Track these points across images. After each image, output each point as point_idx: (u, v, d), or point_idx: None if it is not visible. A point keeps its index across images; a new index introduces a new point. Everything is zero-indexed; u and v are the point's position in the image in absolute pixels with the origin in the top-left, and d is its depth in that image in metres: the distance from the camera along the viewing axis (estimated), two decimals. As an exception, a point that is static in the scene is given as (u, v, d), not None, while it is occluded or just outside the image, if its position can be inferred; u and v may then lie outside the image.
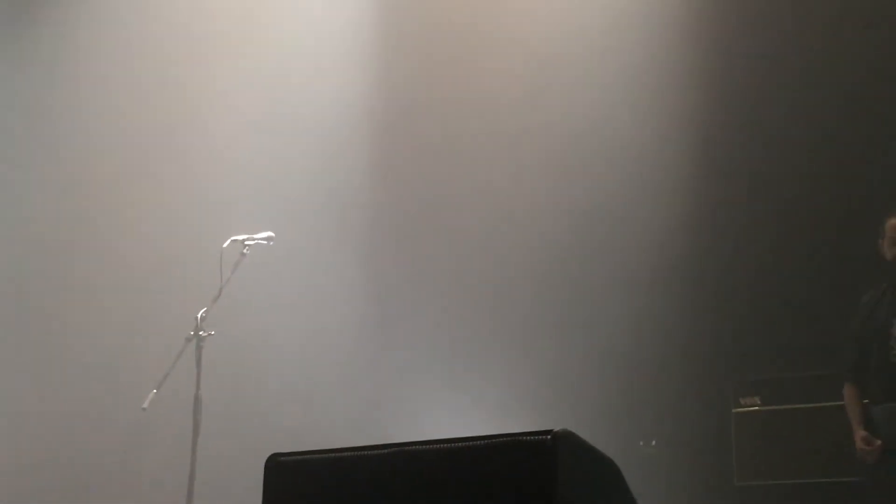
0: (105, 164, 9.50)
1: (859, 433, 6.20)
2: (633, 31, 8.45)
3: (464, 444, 2.99)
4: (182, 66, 9.63)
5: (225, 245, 6.85)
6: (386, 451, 3.14)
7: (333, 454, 3.18)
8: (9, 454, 9.00)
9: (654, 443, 7.26)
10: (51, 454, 8.85)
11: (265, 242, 6.97)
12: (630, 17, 8.51)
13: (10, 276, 9.67)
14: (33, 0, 10.20)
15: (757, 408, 7.15)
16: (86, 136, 9.68)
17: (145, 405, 6.63)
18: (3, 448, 9.03)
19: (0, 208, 9.91)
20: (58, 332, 9.18)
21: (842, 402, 6.53)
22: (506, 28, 8.97)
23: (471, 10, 9.18)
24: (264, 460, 2.99)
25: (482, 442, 2.94)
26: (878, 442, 6.09)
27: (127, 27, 9.98)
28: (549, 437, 2.71)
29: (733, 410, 7.18)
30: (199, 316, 6.67)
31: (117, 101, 9.70)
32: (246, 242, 6.88)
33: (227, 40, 9.57)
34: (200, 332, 6.64)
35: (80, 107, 9.81)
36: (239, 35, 9.58)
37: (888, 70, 7.68)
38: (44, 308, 9.37)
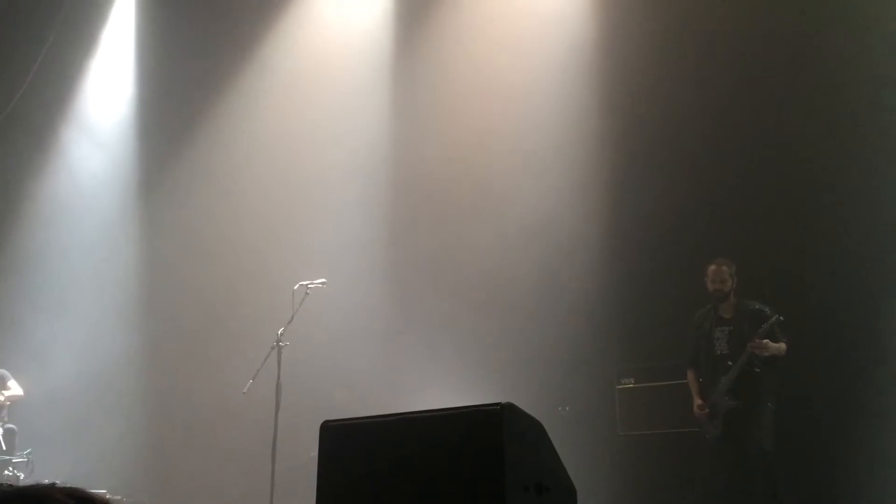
0: (220, 230, 9.71)
1: (696, 401, 6.87)
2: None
3: (443, 412, 3.33)
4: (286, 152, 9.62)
5: (295, 287, 7.29)
6: (395, 418, 3.44)
7: (362, 420, 3.51)
8: (159, 427, 9.46)
9: (567, 408, 7.54)
10: (186, 422, 9.24)
11: (321, 285, 7.38)
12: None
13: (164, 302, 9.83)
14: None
15: (632, 385, 7.62)
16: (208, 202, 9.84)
17: (245, 390, 7.14)
18: (159, 417, 9.49)
19: (157, 246, 9.99)
20: (185, 339, 9.51)
21: (685, 381, 7.10)
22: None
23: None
24: (321, 423, 3.37)
25: (455, 411, 3.27)
26: (706, 408, 6.82)
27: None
28: (498, 406, 3.03)
29: (616, 387, 7.68)
30: (279, 332, 7.15)
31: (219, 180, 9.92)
32: (309, 285, 7.32)
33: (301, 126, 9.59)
34: (280, 343, 7.11)
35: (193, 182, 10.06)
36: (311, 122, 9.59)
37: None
38: (176, 320, 9.64)
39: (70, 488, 1.18)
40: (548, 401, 7.19)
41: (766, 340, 6.58)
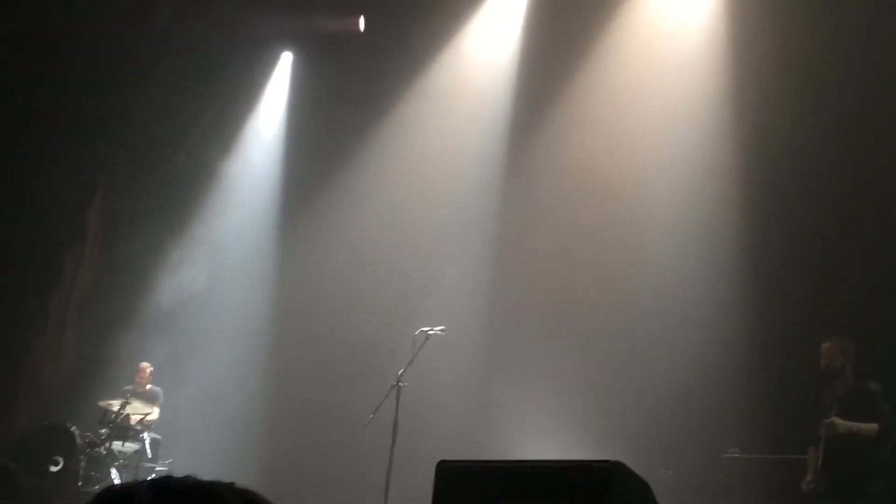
0: (351, 274, 9.85)
1: (807, 477, 6.38)
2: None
3: (554, 464, 3.36)
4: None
5: (416, 332, 7.31)
6: (509, 464, 3.55)
7: (476, 462, 3.47)
8: (281, 450, 9.58)
9: (670, 472, 7.26)
10: (307, 447, 9.36)
11: (440, 332, 7.34)
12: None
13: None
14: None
15: (738, 455, 7.20)
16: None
17: (366, 423, 7.21)
18: (283, 441, 9.61)
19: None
20: (313, 372, 9.62)
21: (793, 456, 6.66)
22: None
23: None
24: (434, 460, 3.27)
25: (565, 464, 3.27)
26: (813, 484, 6.33)
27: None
28: (608, 464, 2.94)
29: (722, 455, 7.27)
30: (399, 373, 7.17)
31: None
32: (429, 331, 7.31)
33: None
34: (399, 384, 7.14)
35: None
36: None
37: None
38: (306, 354, 9.77)
39: (244, 490, 1.21)
40: (650, 462, 6.85)
41: (833, 420, 6.21)
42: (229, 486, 1.21)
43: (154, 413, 8.93)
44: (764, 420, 7.36)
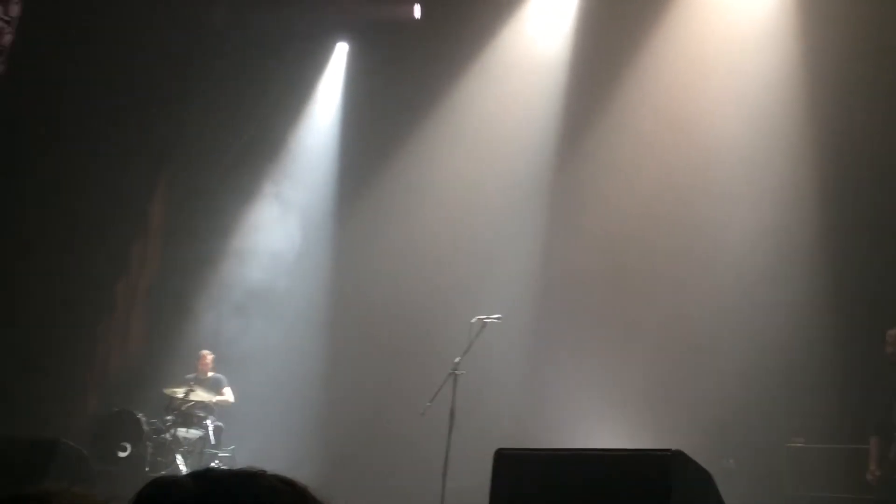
0: (409, 266, 9.91)
1: (871, 468, 6.27)
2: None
3: (614, 452, 3.35)
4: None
5: (473, 320, 7.22)
6: (568, 452, 3.51)
7: (535, 451, 3.55)
8: (341, 436, 9.70)
9: (732, 461, 7.16)
10: (366, 434, 9.46)
11: (497, 320, 7.25)
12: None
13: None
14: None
15: (802, 444, 7.15)
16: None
17: (423, 411, 7.18)
18: (343, 427, 9.73)
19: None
20: (372, 360, 9.75)
21: (857, 445, 6.58)
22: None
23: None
24: (491, 447, 3.33)
25: (626, 453, 3.28)
26: (878, 472, 6.20)
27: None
28: (669, 452, 2.96)
29: (786, 445, 7.23)
30: (456, 360, 7.10)
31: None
32: (485, 319, 7.22)
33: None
34: (456, 371, 7.07)
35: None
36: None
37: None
38: (366, 341, 9.90)
39: (280, 475, 1.30)
40: (714, 452, 6.78)
41: None
42: (266, 472, 1.30)
43: (228, 395, 9.11)
44: (828, 409, 7.29)
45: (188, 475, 1.28)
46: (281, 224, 10.83)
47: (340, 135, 11.15)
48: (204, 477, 1.27)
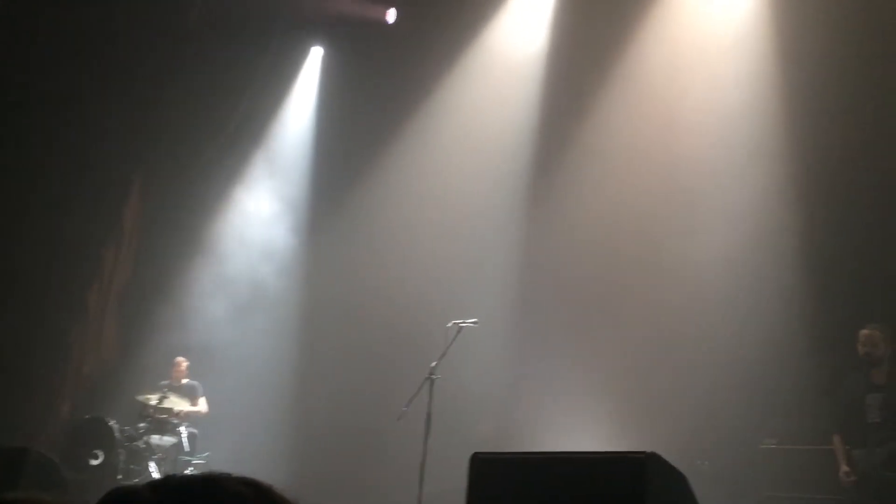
0: (383, 269, 9.87)
1: (842, 468, 6.35)
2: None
3: (588, 455, 3.34)
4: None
5: (449, 325, 7.21)
6: (542, 456, 3.55)
7: (510, 455, 3.59)
8: (317, 440, 9.54)
9: (706, 463, 7.14)
10: (342, 438, 9.30)
11: (473, 324, 7.24)
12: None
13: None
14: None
15: (775, 446, 7.09)
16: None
17: (399, 416, 7.09)
18: (319, 432, 9.56)
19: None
20: (347, 364, 9.63)
21: (831, 446, 6.56)
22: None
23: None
24: (467, 452, 3.33)
25: (600, 456, 3.27)
26: (853, 475, 6.28)
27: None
28: (643, 455, 2.97)
29: (759, 446, 7.15)
30: (432, 365, 7.11)
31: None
32: (461, 324, 7.20)
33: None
34: (433, 376, 7.07)
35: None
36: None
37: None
38: (341, 345, 9.80)
39: (242, 477, 1.27)
40: (687, 453, 6.74)
41: None
42: (228, 476, 1.27)
43: (201, 405, 9.05)
44: (801, 410, 7.29)
45: (146, 484, 1.25)
46: (257, 228, 10.77)
47: (316, 139, 11.13)
48: (163, 485, 1.24)
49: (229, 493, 1.23)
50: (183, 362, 9.35)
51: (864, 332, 6.52)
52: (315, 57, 11.36)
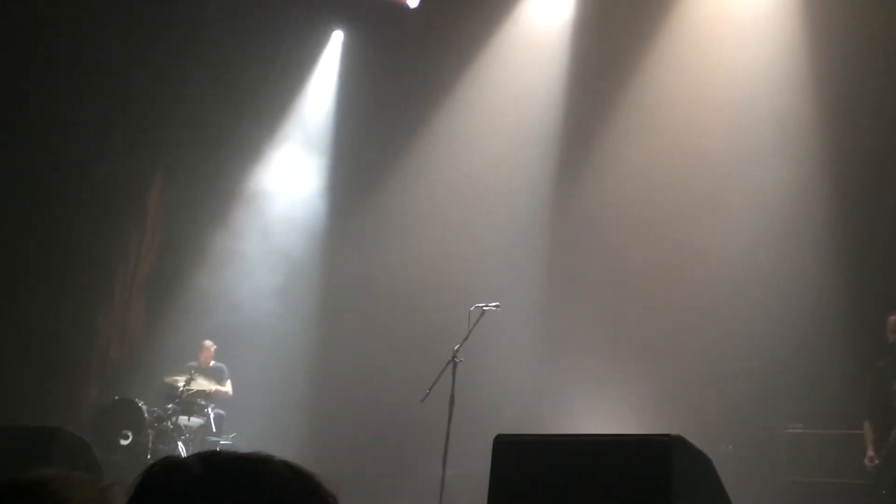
0: (409, 252, 9.97)
1: (868, 453, 6.32)
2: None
3: (613, 438, 3.31)
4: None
5: (472, 308, 7.09)
6: (567, 438, 3.36)
7: (534, 437, 3.48)
8: (340, 423, 9.71)
9: (731, 447, 7.18)
10: (366, 422, 9.51)
11: (495, 308, 7.15)
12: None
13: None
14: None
15: (801, 430, 7.13)
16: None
17: (422, 399, 6.99)
18: (342, 415, 9.71)
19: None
20: (371, 347, 9.68)
21: (856, 431, 6.56)
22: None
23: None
24: (490, 434, 3.29)
25: (625, 438, 3.20)
26: (877, 460, 6.25)
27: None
28: (668, 437, 2.91)
29: (785, 430, 7.22)
30: (455, 348, 7.00)
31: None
32: (484, 308, 7.11)
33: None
34: (455, 359, 6.97)
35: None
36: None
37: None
38: (364, 329, 9.86)
39: (286, 461, 1.31)
40: (714, 437, 6.84)
41: None
42: (272, 458, 1.31)
43: (227, 387, 9.14)
44: (827, 395, 7.25)
45: (195, 456, 1.29)
46: (280, 211, 10.81)
47: (336, 124, 11.12)
48: (211, 460, 1.29)
49: (271, 474, 1.27)
50: (211, 346, 9.44)
51: (893, 318, 6.48)
52: (336, 41, 11.31)
